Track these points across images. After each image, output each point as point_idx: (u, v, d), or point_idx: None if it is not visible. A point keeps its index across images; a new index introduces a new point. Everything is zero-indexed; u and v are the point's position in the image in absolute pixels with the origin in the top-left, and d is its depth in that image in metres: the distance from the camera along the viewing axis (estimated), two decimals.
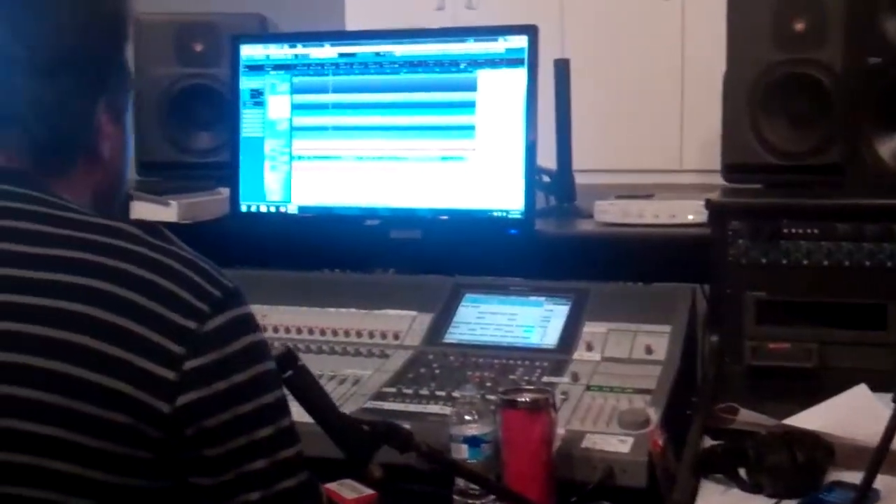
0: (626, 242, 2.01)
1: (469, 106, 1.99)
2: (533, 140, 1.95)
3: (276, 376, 1.07)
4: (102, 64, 1.14)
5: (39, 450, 0.95)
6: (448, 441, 1.49)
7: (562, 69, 2.19)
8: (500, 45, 1.97)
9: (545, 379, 1.72)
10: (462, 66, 1.99)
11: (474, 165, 1.99)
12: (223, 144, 2.77)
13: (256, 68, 2.14)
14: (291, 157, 2.12)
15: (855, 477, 1.31)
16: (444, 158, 2.01)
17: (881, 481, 1.29)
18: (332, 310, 2.02)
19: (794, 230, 1.75)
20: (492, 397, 1.58)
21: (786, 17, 2.20)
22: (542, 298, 1.93)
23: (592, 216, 2.12)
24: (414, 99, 2.03)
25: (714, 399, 1.64)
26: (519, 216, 1.97)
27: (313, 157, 2.11)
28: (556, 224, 2.15)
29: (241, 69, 2.15)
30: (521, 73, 1.96)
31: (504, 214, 1.98)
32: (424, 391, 1.72)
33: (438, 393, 1.70)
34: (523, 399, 1.45)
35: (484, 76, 1.98)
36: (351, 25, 4.06)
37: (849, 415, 1.52)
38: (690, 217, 1.96)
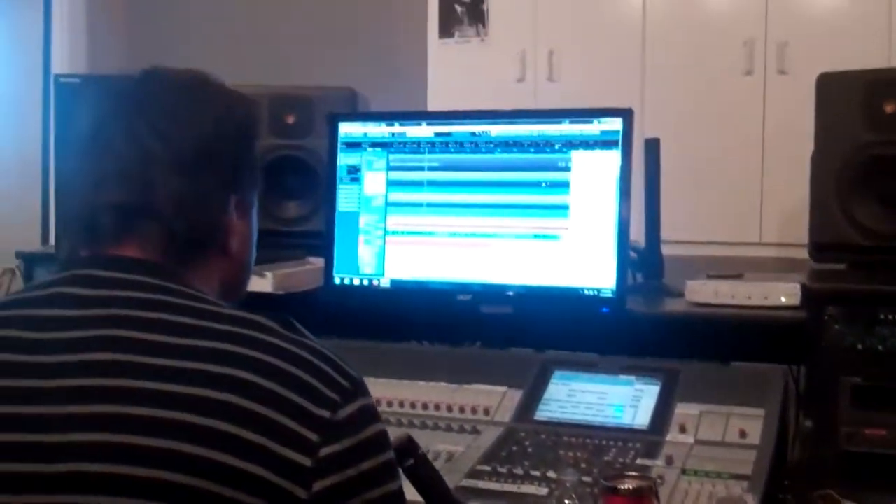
0: (718, 323, 2.01)
1: (563, 186, 2.02)
2: (626, 220, 1.98)
3: (396, 465, 1.11)
4: (235, 163, 1.21)
5: None
6: None
7: (652, 147, 2.22)
8: (595, 127, 2.01)
9: (639, 461, 1.72)
10: (557, 146, 2.03)
11: (567, 244, 2.02)
12: (311, 214, 2.85)
13: (354, 145, 2.20)
14: (386, 232, 2.17)
15: None
16: (537, 236, 2.05)
17: None
18: (422, 383, 2.04)
19: (890, 316, 1.75)
20: (587, 479, 1.59)
21: (877, 98, 2.21)
22: (633, 377, 1.94)
23: (681, 294, 2.14)
24: (508, 178, 2.07)
25: (809, 485, 1.64)
26: (610, 295, 1.99)
27: (407, 233, 2.16)
28: (645, 302, 2.16)
29: (340, 146, 2.21)
30: (615, 155, 1.99)
31: (595, 293, 2.00)
32: (519, 470, 1.73)
33: (533, 473, 1.71)
34: (626, 486, 1.46)
35: (578, 157, 2.02)
36: (433, 96, 4.14)
37: None
38: (783, 300, 1.96)
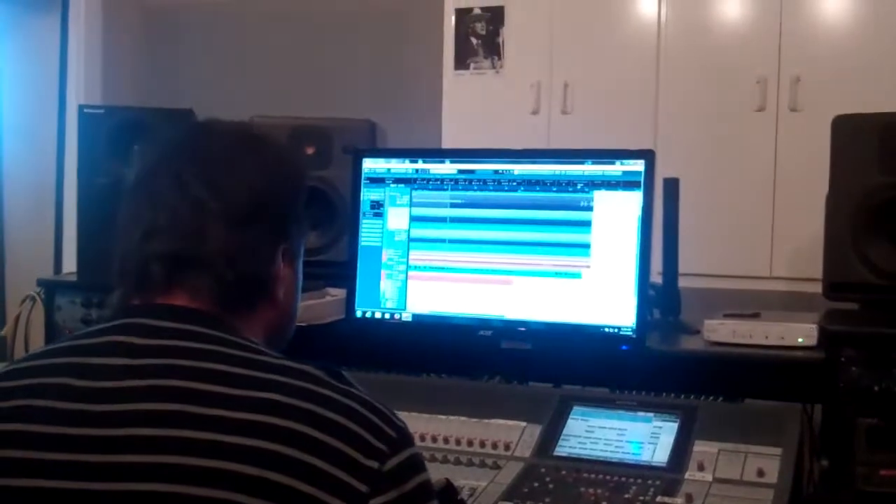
0: (735, 362, 2.04)
1: (585, 225, 2.06)
2: (647, 260, 2.02)
3: None
4: (285, 214, 1.24)
5: None
6: None
7: (671, 187, 2.26)
8: (618, 168, 2.05)
9: (659, 499, 1.75)
10: (579, 186, 2.07)
11: (588, 282, 2.05)
12: (329, 244, 2.88)
13: (377, 181, 2.23)
14: (408, 267, 2.20)
15: None
16: (558, 274, 2.08)
17: None
18: (442, 416, 2.07)
19: None
20: None
21: (891, 141, 2.25)
22: (651, 414, 1.96)
23: (697, 332, 2.17)
24: (530, 216, 2.11)
25: None
26: (630, 333, 2.02)
27: (429, 268, 2.19)
28: (663, 340, 2.20)
29: (363, 181, 2.24)
30: (636, 196, 2.03)
31: (616, 331, 2.03)
32: None
33: None
34: None
35: (601, 196, 2.06)
36: (448, 126, 4.18)
37: None
38: (800, 340, 1.99)
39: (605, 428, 1.97)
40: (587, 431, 1.97)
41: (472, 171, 2.17)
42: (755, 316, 2.14)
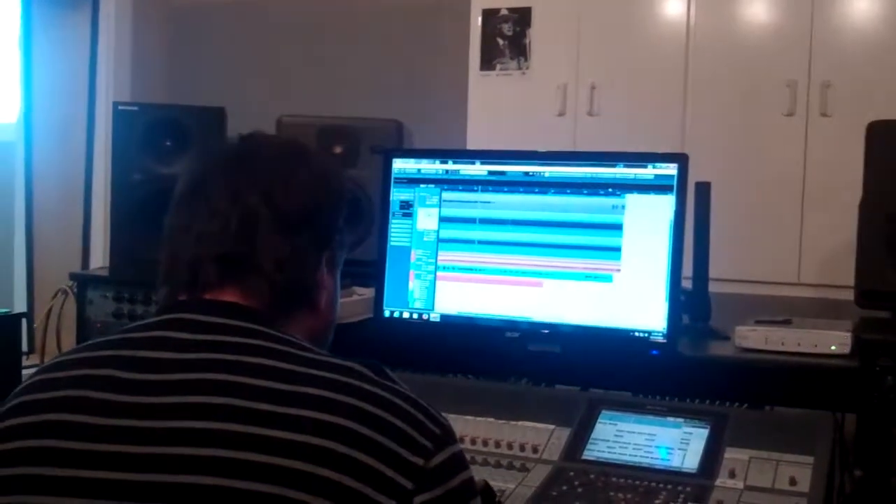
0: (766, 369, 2.02)
1: (616, 228, 2.05)
2: (679, 264, 2.00)
3: None
4: (329, 225, 1.28)
5: None
6: None
7: (703, 191, 2.24)
8: (650, 172, 2.04)
9: None
10: (611, 189, 2.06)
11: (619, 285, 2.04)
12: (356, 243, 2.88)
13: (407, 181, 2.23)
14: (437, 268, 2.20)
15: None
16: (588, 277, 2.07)
17: None
18: (469, 417, 2.06)
19: None
20: None
21: None
22: (681, 420, 1.95)
23: (727, 338, 2.16)
24: (561, 218, 2.10)
25: None
26: (661, 338, 2.01)
27: (458, 269, 2.18)
28: (693, 346, 2.18)
29: (393, 181, 2.24)
30: (669, 199, 2.01)
31: (646, 335, 2.02)
32: None
33: None
34: None
35: (633, 200, 2.04)
36: (473, 128, 4.18)
37: None
38: (833, 348, 1.98)
39: (634, 433, 1.96)
40: (616, 436, 1.96)
41: (502, 173, 2.16)
42: (787, 323, 2.12)
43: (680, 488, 1.79)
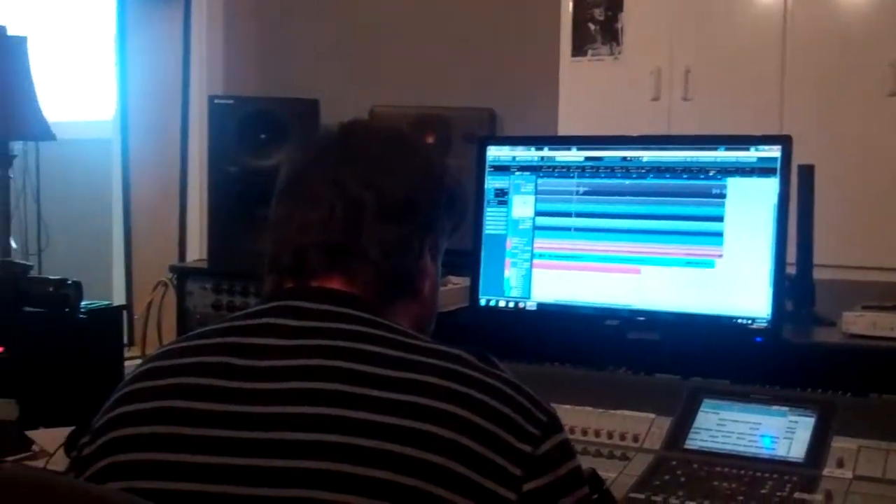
0: (875, 356, 1.96)
1: (717, 212, 2.01)
2: (783, 249, 1.95)
3: (591, 500, 1.13)
4: (433, 211, 1.28)
5: None
6: None
7: (805, 174, 2.18)
8: (752, 154, 1.99)
9: (797, 495, 1.69)
10: (711, 173, 2.02)
11: (721, 271, 2.00)
12: (451, 231, 2.88)
13: (502, 169, 2.22)
14: (533, 255, 2.18)
15: None
16: (689, 263, 2.03)
17: None
18: (567, 406, 2.04)
19: None
20: None
21: None
22: (786, 408, 1.90)
23: (833, 324, 2.10)
24: (660, 203, 2.06)
25: None
26: (765, 324, 1.97)
27: (555, 256, 2.16)
28: (798, 332, 2.13)
29: (487, 169, 2.23)
30: (772, 182, 1.97)
31: (749, 322, 1.98)
32: (674, 500, 1.71)
33: (689, 503, 1.70)
34: None
35: (734, 184, 2.00)
36: (565, 114, 4.14)
37: None
38: None
39: (737, 421, 1.91)
40: (718, 425, 1.92)
41: (599, 159, 2.13)
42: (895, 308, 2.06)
43: (786, 478, 1.74)
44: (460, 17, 4.75)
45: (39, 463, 1.93)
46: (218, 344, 1.15)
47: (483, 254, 2.24)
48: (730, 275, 2.00)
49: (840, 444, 1.80)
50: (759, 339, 1.98)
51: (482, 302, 2.25)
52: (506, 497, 1.04)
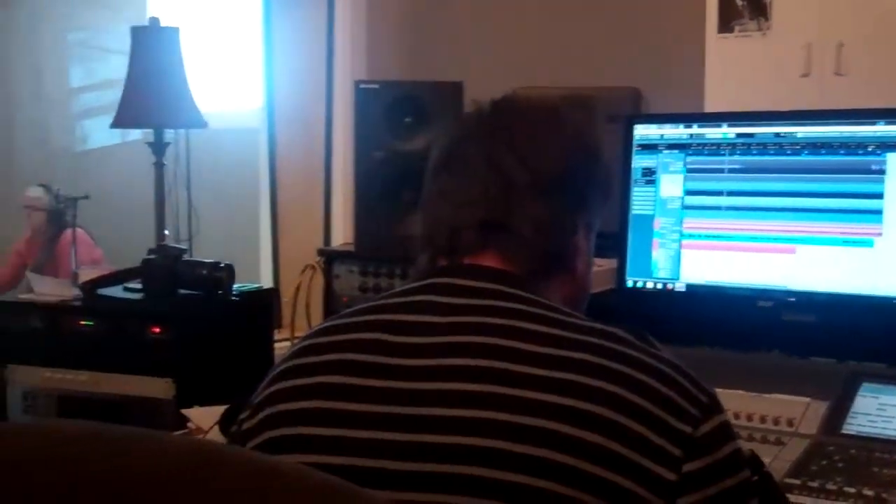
0: None
1: (877, 190, 1.93)
2: None
3: (752, 483, 1.10)
4: (586, 186, 1.25)
5: None
6: None
7: None
8: None
9: None
10: (870, 148, 1.94)
11: (880, 250, 1.92)
12: None
13: (650, 147, 2.18)
14: (682, 235, 2.14)
15: None
16: (846, 242, 1.96)
17: None
18: (718, 390, 1.98)
19: None
20: None
21: None
22: None
23: None
24: (816, 181, 1.99)
25: None
26: None
27: (704, 236, 2.12)
28: None
29: (634, 148, 2.19)
30: None
31: None
32: (831, 486, 1.66)
33: (847, 489, 1.64)
34: None
35: (894, 159, 1.92)
36: (711, 92, 4.04)
37: None
38: None
39: None
40: (878, 409, 1.85)
41: (750, 135, 2.07)
42: None
43: None
44: None
45: None
46: (373, 321, 1.16)
47: (630, 235, 2.20)
48: (889, 254, 1.92)
49: None
50: None
51: (629, 284, 2.22)
52: (666, 478, 1.02)
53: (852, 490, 1.64)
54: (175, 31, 3.32)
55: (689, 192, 2.13)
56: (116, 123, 3.22)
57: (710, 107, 4.00)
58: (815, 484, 1.68)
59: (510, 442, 1.02)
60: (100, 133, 7.49)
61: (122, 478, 0.85)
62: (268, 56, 4.99)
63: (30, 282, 2.47)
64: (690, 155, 2.13)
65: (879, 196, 1.93)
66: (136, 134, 6.20)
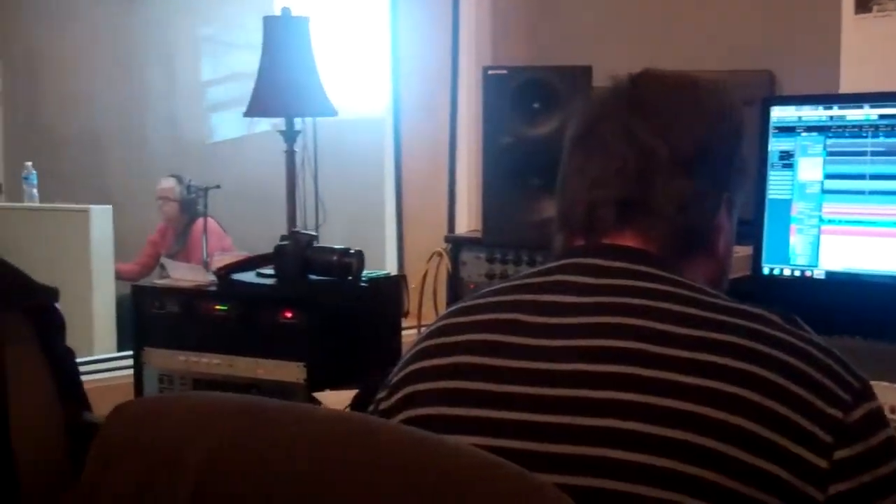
0: None
1: None
2: None
3: None
4: (729, 162, 1.22)
5: None
6: None
7: None
8: None
9: None
10: None
11: None
12: None
13: (787, 130, 2.11)
14: (821, 221, 2.07)
15: None
16: None
17: None
18: None
19: None
20: None
21: None
22: None
23: None
24: None
25: None
26: None
27: (846, 222, 2.05)
28: None
29: (771, 130, 2.13)
30: None
31: None
32: None
33: None
34: None
35: None
36: (847, 74, 3.90)
37: None
38: None
39: None
40: None
41: (894, 116, 1.99)
42: None
43: None
44: None
45: None
46: (510, 301, 1.15)
47: (766, 220, 2.14)
48: None
49: None
50: None
51: (765, 271, 2.16)
52: (816, 464, 0.98)
53: None
54: (305, 20, 3.37)
55: (829, 176, 2.06)
56: (249, 112, 3.28)
57: (846, 89, 3.87)
58: None
59: (650, 425, 0.99)
60: (228, 125, 7.68)
61: (277, 446, 0.87)
62: (394, 46, 5.02)
63: (166, 267, 2.52)
64: (831, 137, 2.06)
65: None
66: (263, 126, 6.32)
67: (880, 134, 2.00)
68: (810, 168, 2.08)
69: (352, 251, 2.37)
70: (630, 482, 0.98)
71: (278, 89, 3.19)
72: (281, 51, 3.18)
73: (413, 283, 2.89)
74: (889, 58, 3.86)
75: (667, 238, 1.16)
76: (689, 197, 1.16)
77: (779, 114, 2.13)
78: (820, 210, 2.07)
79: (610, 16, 4.73)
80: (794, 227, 2.11)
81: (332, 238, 2.52)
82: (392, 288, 2.58)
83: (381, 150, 5.36)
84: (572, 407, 1.03)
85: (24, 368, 1.48)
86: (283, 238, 2.46)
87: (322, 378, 2.23)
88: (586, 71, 2.44)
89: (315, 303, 2.28)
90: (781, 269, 2.13)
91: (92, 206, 6.10)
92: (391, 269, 4.99)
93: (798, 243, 2.10)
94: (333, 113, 3.41)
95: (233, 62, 7.48)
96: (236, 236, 6.19)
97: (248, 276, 2.45)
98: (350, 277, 2.35)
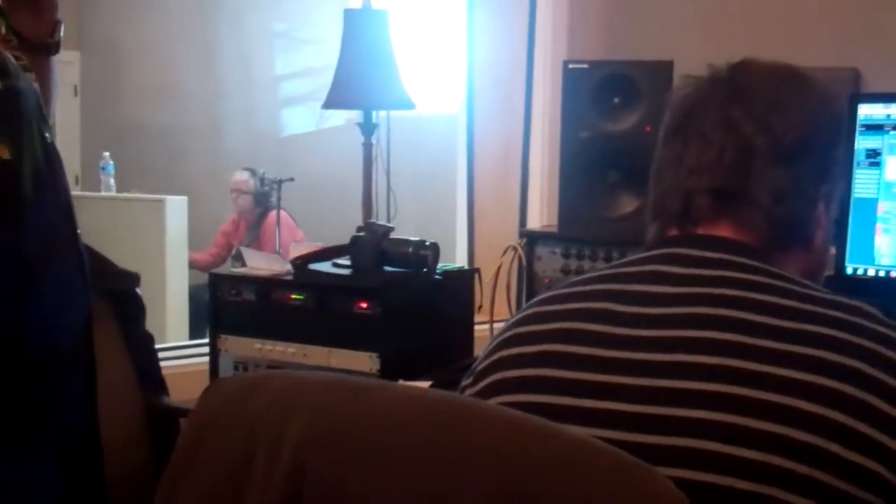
0: None
1: None
2: None
3: None
4: (828, 155, 1.20)
5: None
6: None
7: None
8: None
9: None
10: None
11: None
12: None
13: (875, 128, 2.07)
14: None
15: None
16: None
17: None
18: None
19: None
20: None
21: None
22: None
23: None
24: None
25: None
26: None
27: None
28: None
29: (858, 128, 2.09)
30: None
31: None
32: None
33: None
34: None
35: None
36: None
37: None
38: None
39: None
40: None
41: None
42: None
43: None
44: None
45: None
46: (601, 290, 1.14)
47: (851, 219, 2.10)
48: None
49: None
50: None
51: (849, 271, 2.12)
52: None
53: None
54: (384, 13, 3.38)
55: None
56: (328, 105, 3.30)
57: None
58: None
59: (745, 417, 0.98)
60: (299, 119, 7.74)
61: (375, 419, 0.88)
62: (470, 42, 5.02)
63: (243, 256, 2.54)
64: None
65: None
66: (333, 120, 6.36)
67: None
68: None
69: (427, 243, 2.37)
70: (720, 474, 0.97)
71: (357, 82, 3.20)
72: (360, 43, 3.19)
73: (485, 277, 2.88)
74: None
75: (763, 230, 1.14)
76: (788, 188, 1.14)
77: (866, 111, 2.09)
78: None
79: (687, 10, 4.67)
80: (879, 226, 2.06)
81: (403, 232, 2.52)
82: (466, 282, 2.58)
83: (454, 144, 5.36)
84: (665, 397, 1.02)
85: (105, 352, 1.50)
86: (359, 229, 2.47)
87: (394, 369, 2.23)
88: (668, 66, 2.41)
89: (390, 294, 2.28)
90: (866, 270, 2.09)
91: (167, 197, 6.20)
92: (461, 263, 5.00)
93: (884, 243, 2.06)
94: (411, 106, 3.41)
95: (305, 58, 7.54)
96: (307, 229, 6.24)
97: (325, 266, 2.47)
98: (425, 270, 2.35)
